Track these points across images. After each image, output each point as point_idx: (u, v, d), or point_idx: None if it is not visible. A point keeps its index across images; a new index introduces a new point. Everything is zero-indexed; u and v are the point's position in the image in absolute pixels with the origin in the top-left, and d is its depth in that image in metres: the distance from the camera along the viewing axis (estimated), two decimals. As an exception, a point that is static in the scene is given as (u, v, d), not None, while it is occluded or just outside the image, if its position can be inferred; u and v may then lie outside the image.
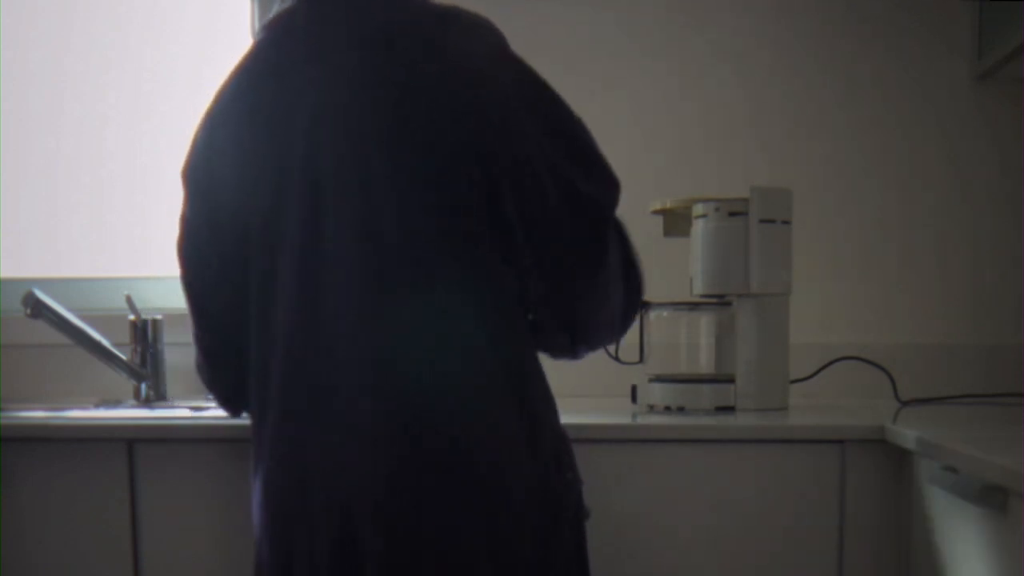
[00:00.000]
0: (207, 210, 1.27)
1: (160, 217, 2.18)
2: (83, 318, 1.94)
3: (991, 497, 1.12)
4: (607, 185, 1.24)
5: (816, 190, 1.97)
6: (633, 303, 1.38)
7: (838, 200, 2.00)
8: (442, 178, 1.14)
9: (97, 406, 1.94)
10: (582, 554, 1.27)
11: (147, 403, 1.98)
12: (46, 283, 2.04)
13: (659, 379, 1.69)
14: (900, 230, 2.01)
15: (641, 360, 1.71)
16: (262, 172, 1.20)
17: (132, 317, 1.99)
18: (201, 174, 1.27)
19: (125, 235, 2.19)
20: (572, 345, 1.32)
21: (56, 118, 2.17)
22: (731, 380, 1.67)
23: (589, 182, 1.21)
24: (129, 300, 1.98)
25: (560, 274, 1.22)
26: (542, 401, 1.22)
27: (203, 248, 1.28)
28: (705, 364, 1.77)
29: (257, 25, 2.06)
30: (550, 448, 1.20)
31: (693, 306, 1.73)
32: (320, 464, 1.18)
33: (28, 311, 1.86)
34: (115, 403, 1.98)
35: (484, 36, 1.18)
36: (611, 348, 1.60)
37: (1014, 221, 1.98)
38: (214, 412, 1.80)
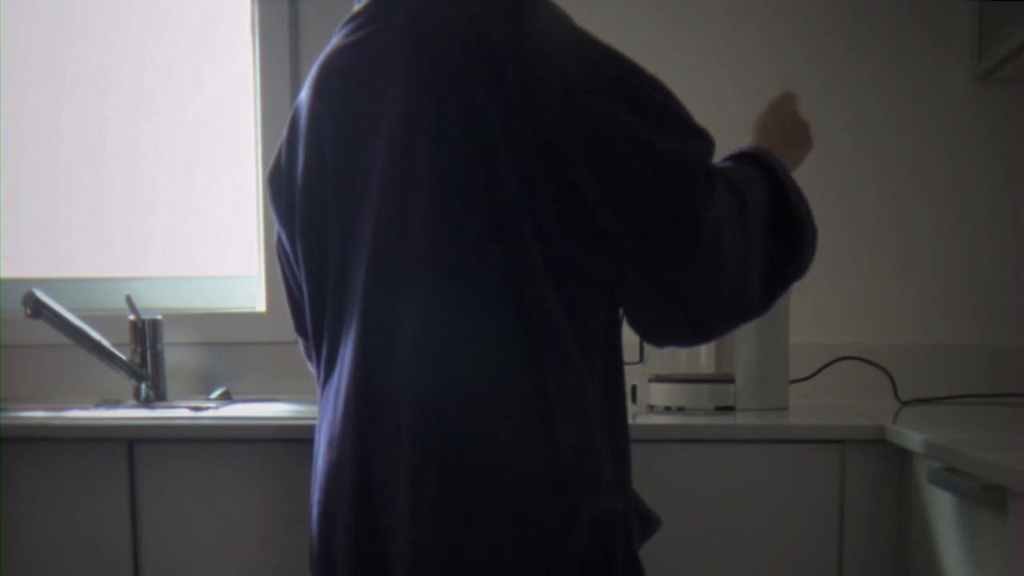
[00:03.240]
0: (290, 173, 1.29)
1: (160, 217, 2.18)
2: (83, 318, 1.94)
3: (991, 497, 1.12)
4: (691, 138, 1.17)
5: (816, 190, 1.96)
6: (784, 259, 1.25)
7: (838, 200, 2.00)
8: (480, 178, 1.11)
9: (97, 406, 1.94)
10: None
11: (147, 403, 1.98)
12: (46, 283, 2.04)
13: (659, 379, 1.69)
14: (900, 230, 2.01)
15: (641, 360, 1.71)
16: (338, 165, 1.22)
17: (132, 317, 1.99)
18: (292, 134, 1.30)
19: (125, 235, 2.19)
20: (691, 321, 1.20)
21: (56, 118, 2.17)
22: (731, 380, 1.67)
23: (670, 139, 1.14)
24: (129, 300, 1.98)
25: (657, 243, 1.14)
26: (575, 423, 1.16)
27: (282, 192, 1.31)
28: (705, 364, 1.77)
29: (257, 25, 2.07)
30: (579, 465, 1.16)
31: (693, 306, 1.73)
32: (367, 470, 1.19)
33: (28, 311, 1.86)
34: (115, 403, 1.98)
35: (541, 15, 1.15)
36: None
37: (1014, 221, 1.98)
38: (214, 412, 1.80)
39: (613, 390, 1.23)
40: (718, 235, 1.16)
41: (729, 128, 2.01)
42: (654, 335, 1.26)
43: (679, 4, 2.01)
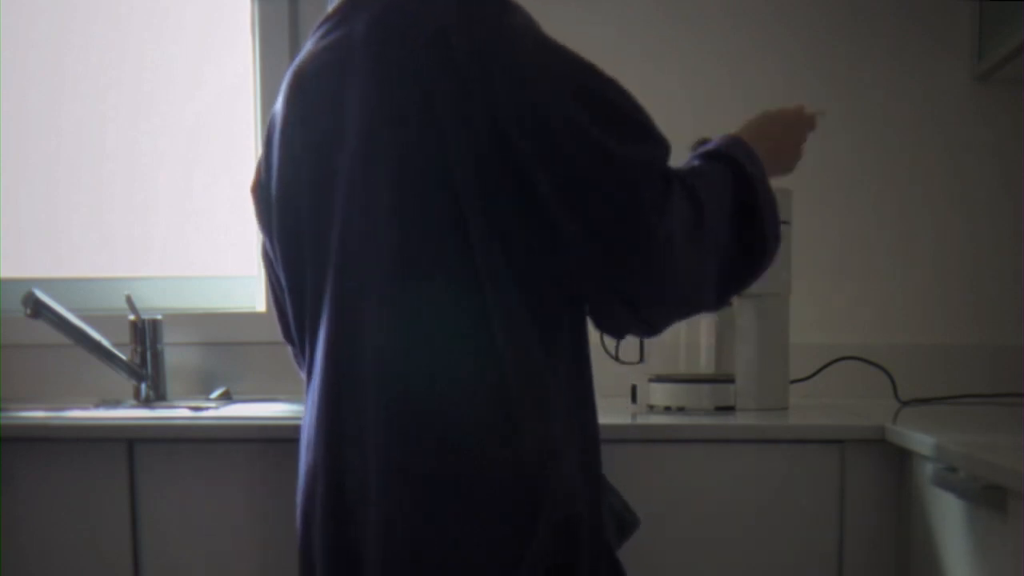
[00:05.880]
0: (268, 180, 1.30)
1: (160, 217, 2.18)
2: (83, 318, 1.94)
3: (991, 497, 1.12)
4: (646, 144, 1.17)
5: (816, 190, 1.97)
6: (744, 261, 1.25)
7: (838, 200, 2.00)
8: (441, 180, 1.12)
9: (97, 406, 1.94)
10: None
11: (147, 403, 1.98)
12: (46, 283, 2.04)
13: (659, 379, 1.69)
14: (900, 230, 2.01)
15: (641, 360, 1.71)
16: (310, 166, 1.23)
17: (132, 317, 1.99)
18: (269, 145, 1.31)
19: (125, 235, 2.19)
20: (641, 321, 1.22)
21: (56, 118, 2.17)
22: (731, 380, 1.67)
23: (624, 144, 1.14)
24: (129, 300, 1.98)
25: (609, 247, 1.14)
26: (539, 423, 1.17)
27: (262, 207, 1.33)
28: (705, 364, 1.77)
29: (257, 25, 2.07)
30: (541, 464, 1.16)
31: (693, 306, 1.73)
32: (333, 463, 1.20)
33: (28, 311, 1.86)
34: (115, 403, 1.98)
35: (501, 19, 1.15)
36: (611, 348, 1.60)
37: (1014, 221, 1.98)
38: (214, 412, 1.80)
39: (581, 391, 1.24)
40: (671, 243, 1.16)
41: (728, 128, 2.01)
42: (610, 330, 1.29)
43: (679, 4, 2.01)
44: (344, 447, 1.19)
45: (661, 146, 1.19)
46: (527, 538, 1.14)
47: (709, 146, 1.30)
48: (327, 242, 1.21)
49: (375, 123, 1.15)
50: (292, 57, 2.04)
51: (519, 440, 1.14)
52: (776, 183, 1.72)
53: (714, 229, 1.21)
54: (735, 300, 1.68)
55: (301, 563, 1.27)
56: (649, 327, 1.25)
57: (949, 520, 1.29)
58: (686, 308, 1.26)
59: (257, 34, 2.07)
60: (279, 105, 1.29)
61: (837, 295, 2.01)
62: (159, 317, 2.01)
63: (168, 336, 2.02)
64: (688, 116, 2.01)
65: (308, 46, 1.28)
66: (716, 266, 1.23)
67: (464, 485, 1.14)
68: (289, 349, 1.41)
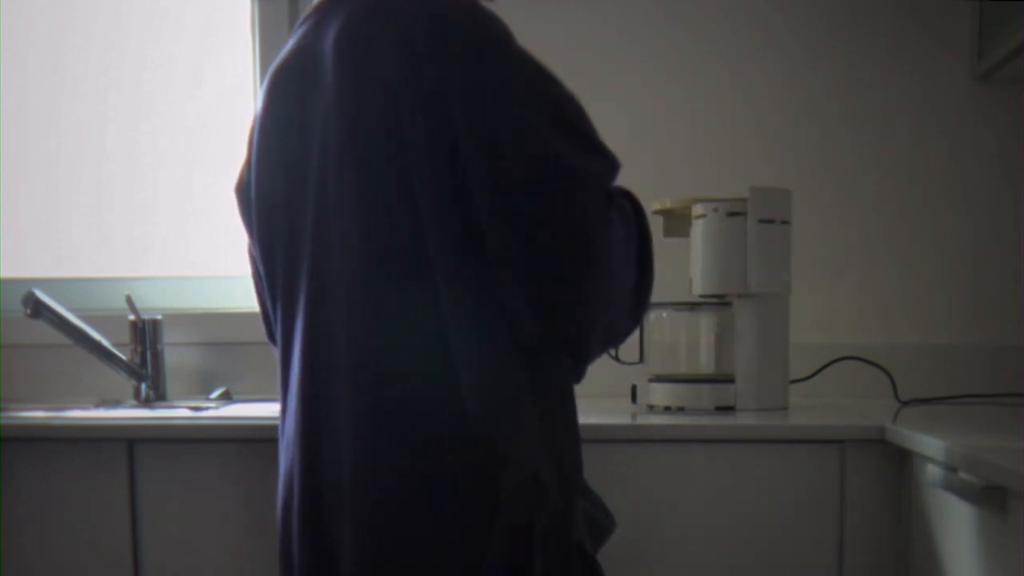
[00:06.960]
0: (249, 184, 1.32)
1: (160, 217, 2.18)
2: (83, 318, 1.94)
3: (991, 497, 1.12)
4: (597, 158, 1.18)
5: (816, 190, 1.97)
6: (643, 295, 1.28)
7: (838, 200, 2.00)
8: (402, 187, 1.13)
9: (97, 406, 1.94)
10: None
11: (147, 403, 1.98)
12: (46, 283, 2.04)
13: (659, 379, 1.69)
14: (900, 230, 2.01)
15: (641, 360, 1.71)
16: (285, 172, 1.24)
17: (132, 317, 1.99)
18: (253, 146, 1.32)
19: (125, 235, 2.19)
20: (567, 346, 1.22)
21: (56, 118, 2.17)
22: (731, 380, 1.67)
23: (577, 154, 1.15)
24: (129, 300, 1.98)
25: (547, 258, 1.14)
26: (505, 427, 1.17)
27: (244, 201, 1.34)
28: (705, 364, 1.77)
29: (257, 25, 2.07)
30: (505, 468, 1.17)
31: (693, 306, 1.74)
32: (309, 462, 1.21)
33: (28, 311, 1.86)
34: (115, 403, 1.98)
35: (468, 24, 1.15)
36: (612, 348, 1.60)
37: (1014, 221, 1.98)
38: (214, 412, 1.80)
39: (558, 395, 1.25)
40: (608, 259, 1.17)
41: (729, 128, 2.02)
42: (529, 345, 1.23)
43: (679, 4, 2.01)
44: (320, 448, 1.20)
45: (610, 162, 1.20)
46: (490, 538, 1.14)
47: None
48: (301, 243, 1.21)
49: (342, 127, 1.16)
50: (292, 57, 2.04)
51: (484, 442, 1.15)
52: (776, 182, 1.73)
53: (634, 248, 1.24)
54: (734, 300, 1.68)
55: (281, 563, 1.28)
56: (570, 347, 1.23)
57: (949, 520, 1.29)
58: (614, 335, 1.29)
59: (257, 34, 2.07)
60: (259, 105, 1.29)
61: (837, 295, 2.01)
62: (159, 317, 2.01)
63: (168, 336, 2.02)
64: (688, 116, 2.02)
65: (288, 45, 1.28)
66: (634, 290, 1.26)
67: (433, 485, 1.15)
68: (275, 351, 1.41)
